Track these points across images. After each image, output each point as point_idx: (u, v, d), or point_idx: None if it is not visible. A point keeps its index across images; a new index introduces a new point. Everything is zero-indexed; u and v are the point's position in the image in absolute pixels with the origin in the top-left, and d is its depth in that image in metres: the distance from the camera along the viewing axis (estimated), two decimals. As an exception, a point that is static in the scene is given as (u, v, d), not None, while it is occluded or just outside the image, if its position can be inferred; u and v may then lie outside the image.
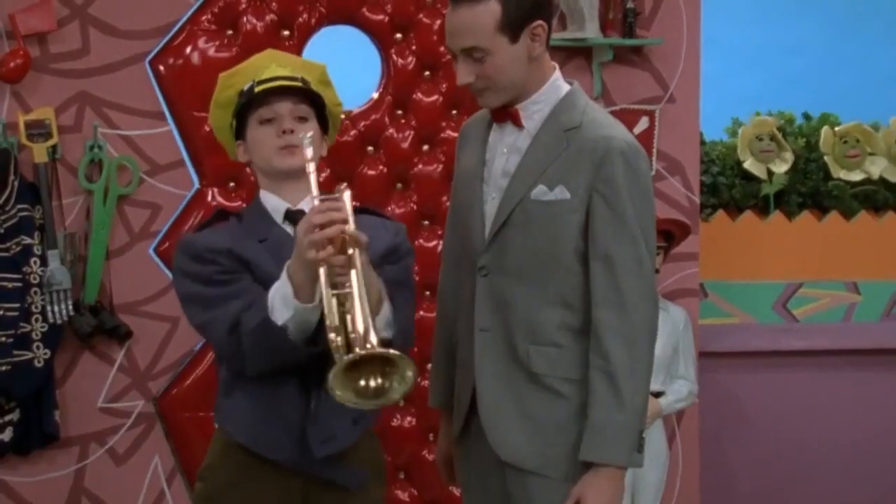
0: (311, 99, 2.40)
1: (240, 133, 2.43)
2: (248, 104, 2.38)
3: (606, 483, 2.36)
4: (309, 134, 2.33)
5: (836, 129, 4.49)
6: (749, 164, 4.39)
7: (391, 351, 2.07)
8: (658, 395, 3.75)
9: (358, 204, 2.40)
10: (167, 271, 3.58)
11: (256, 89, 2.37)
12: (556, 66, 2.47)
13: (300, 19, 3.74)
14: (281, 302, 2.24)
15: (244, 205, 3.48)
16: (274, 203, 2.40)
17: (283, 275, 2.25)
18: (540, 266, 2.41)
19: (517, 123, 2.44)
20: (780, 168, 4.41)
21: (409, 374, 2.06)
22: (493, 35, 2.33)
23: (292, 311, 2.22)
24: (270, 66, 2.42)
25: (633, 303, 2.34)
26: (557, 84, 2.45)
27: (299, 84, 2.39)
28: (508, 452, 2.43)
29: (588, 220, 2.37)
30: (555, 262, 2.40)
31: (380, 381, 2.08)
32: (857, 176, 4.47)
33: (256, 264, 2.32)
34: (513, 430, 2.43)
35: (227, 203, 3.65)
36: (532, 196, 2.39)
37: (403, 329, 2.34)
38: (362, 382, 2.08)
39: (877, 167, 4.49)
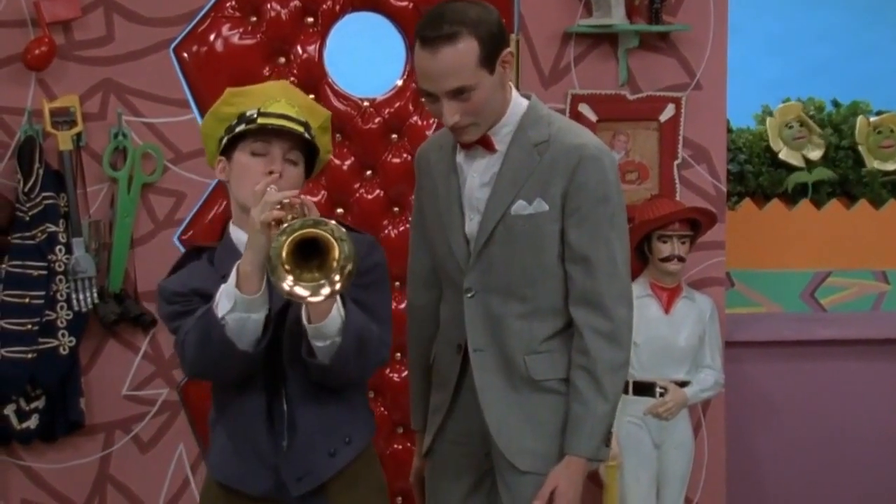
0: (306, 145, 2.38)
1: (226, 150, 2.40)
2: (246, 131, 2.36)
3: (579, 473, 2.44)
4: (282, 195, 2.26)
5: (871, 119, 4.45)
6: (784, 154, 4.36)
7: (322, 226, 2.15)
8: (683, 384, 3.74)
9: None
10: (191, 259, 3.59)
11: (259, 120, 2.35)
12: (511, 84, 2.50)
13: (324, 6, 3.73)
14: (224, 296, 2.25)
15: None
16: (241, 237, 2.36)
17: (232, 272, 2.25)
18: (527, 279, 2.46)
19: (490, 148, 2.46)
20: (815, 153, 4.38)
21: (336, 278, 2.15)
22: (476, 71, 2.35)
23: (233, 302, 2.22)
24: (281, 100, 2.39)
25: (610, 303, 2.43)
26: (518, 101, 2.49)
27: (301, 130, 2.36)
28: (525, 462, 2.47)
29: (564, 224, 2.43)
30: (541, 273, 2.46)
31: (315, 274, 2.17)
32: (890, 166, 4.44)
33: None
34: (526, 439, 2.47)
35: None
36: (512, 212, 2.44)
37: (354, 336, 2.28)
38: (305, 274, 2.17)
39: None
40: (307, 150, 2.40)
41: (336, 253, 2.15)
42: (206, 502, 2.48)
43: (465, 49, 2.32)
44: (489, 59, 2.35)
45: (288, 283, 2.15)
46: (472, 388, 2.49)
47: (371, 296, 2.38)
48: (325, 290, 2.16)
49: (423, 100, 2.42)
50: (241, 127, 2.36)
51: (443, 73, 2.33)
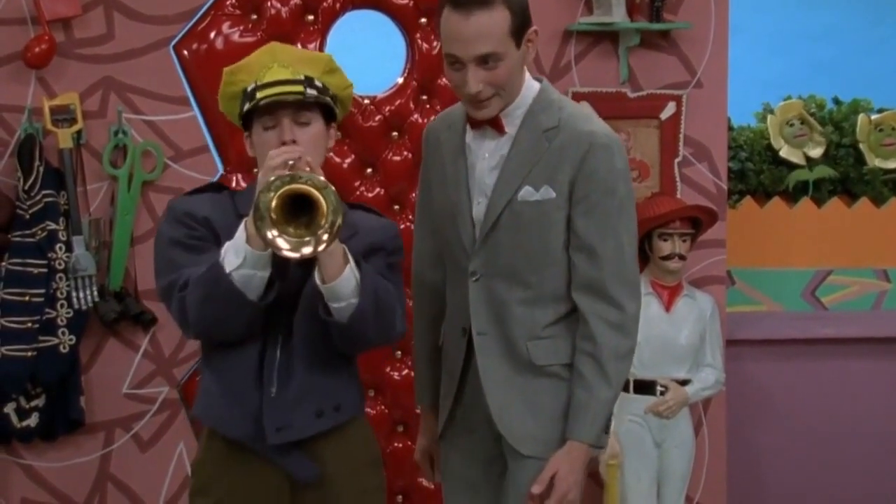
0: (314, 99, 2.39)
1: (247, 125, 2.44)
2: (251, 109, 2.39)
3: (580, 460, 2.44)
4: (297, 158, 2.30)
5: (872, 117, 4.45)
6: (785, 152, 4.35)
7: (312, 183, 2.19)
8: (684, 382, 3.73)
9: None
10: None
11: (258, 94, 2.37)
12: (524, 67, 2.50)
13: (325, 4, 3.72)
14: (233, 251, 2.27)
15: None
16: None
17: (241, 226, 2.28)
18: (532, 265, 2.46)
19: (500, 130, 2.46)
20: (816, 151, 4.37)
21: (323, 233, 2.19)
22: (506, 40, 2.35)
23: (242, 257, 2.25)
24: (272, 66, 2.40)
25: (618, 294, 2.42)
26: (531, 84, 2.48)
27: (300, 91, 2.37)
28: (527, 446, 2.48)
29: (571, 212, 2.43)
30: (546, 260, 2.45)
31: (301, 231, 2.20)
32: (891, 164, 4.43)
33: (228, 238, 2.33)
34: (527, 423, 2.48)
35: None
36: (519, 198, 2.43)
37: (372, 298, 2.31)
38: (291, 229, 2.21)
39: None
40: (318, 102, 2.40)
41: (324, 209, 2.18)
42: (209, 456, 2.45)
43: (499, 17, 2.33)
44: (518, 32, 2.36)
45: (271, 233, 2.19)
46: (477, 373, 2.50)
47: (393, 276, 2.43)
48: (308, 249, 2.20)
49: (446, 69, 2.40)
50: (246, 106, 2.39)
51: (474, 36, 2.33)
